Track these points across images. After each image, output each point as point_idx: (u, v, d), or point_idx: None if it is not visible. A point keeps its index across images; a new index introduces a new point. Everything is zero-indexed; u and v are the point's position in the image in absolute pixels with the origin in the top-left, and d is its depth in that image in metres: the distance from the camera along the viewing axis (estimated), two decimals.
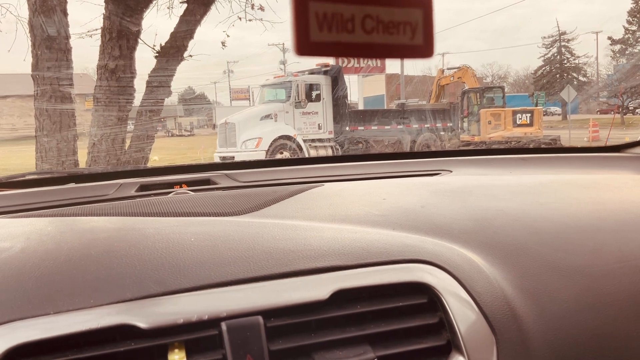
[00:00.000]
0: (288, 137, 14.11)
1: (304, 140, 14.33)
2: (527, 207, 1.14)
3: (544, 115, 18.24)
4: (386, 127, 15.57)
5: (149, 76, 4.90)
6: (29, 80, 4.47)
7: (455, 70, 18.02)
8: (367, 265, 0.84)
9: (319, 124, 14.75)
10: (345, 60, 19.49)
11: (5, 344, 0.66)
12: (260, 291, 0.76)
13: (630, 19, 35.35)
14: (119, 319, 0.69)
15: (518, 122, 15.29)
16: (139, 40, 4.65)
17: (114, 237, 0.93)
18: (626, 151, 1.76)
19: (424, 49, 0.44)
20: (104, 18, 4.53)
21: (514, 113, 15.47)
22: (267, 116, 14.35)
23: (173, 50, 4.85)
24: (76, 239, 0.93)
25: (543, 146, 12.29)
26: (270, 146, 13.72)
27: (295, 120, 14.45)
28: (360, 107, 20.43)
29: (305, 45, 0.41)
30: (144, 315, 0.70)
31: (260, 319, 0.73)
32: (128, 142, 4.84)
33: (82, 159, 4.67)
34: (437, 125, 16.21)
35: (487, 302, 0.84)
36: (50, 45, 4.25)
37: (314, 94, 14.73)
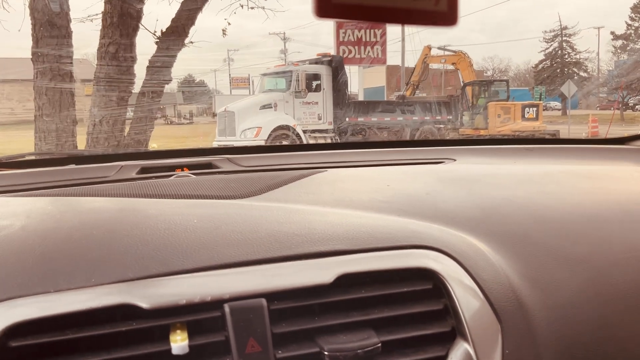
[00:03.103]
0: (288, 127, 14.07)
1: (304, 131, 14.28)
2: (533, 196, 1.14)
3: (544, 110, 18.20)
4: (386, 118, 15.52)
5: (150, 61, 4.88)
6: (28, 64, 4.44)
7: (450, 53, 17.52)
8: (371, 250, 0.83)
9: (318, 115, 14.70)
10: (347, 50, 19.41)
11: (5, 322, 0.65)
12: (263, 274, 0.75)
13: (633, 15, 35.27)
14: (120, 298, 0.68)
15: (526, 116, 15.27)
16: (140, 26, 4.62)
17: (116, 217, 0.92)
18: (631, 144, 1.75)
19: (448, 16, 0.42)
20: (105, 2, 4.50)
21: (523, 107, 15.45)
22: (267, 105, 14.30)
23: (174, 36, 4.82)
24: (77, 218, 0.91)
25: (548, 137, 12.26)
26: (269, 136, 13.68)
27: (295, 110, 14.40)
28: (361, 98, 20.36)
29: (326, 6, 0.38)
30: (146, 295, 0.69)
31: (263, 301, 0.72)
32: (127, 128, 4.82)
33: (81, 144, 4.65)
34: (437, 117, 16.13)
35: (492, 290, 0.83)
36: (51, 27, 4.22)
37: (314, 84, 14.67)
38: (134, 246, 0.78)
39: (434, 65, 18.40)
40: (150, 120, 4.91)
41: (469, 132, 15.55)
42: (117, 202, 1.05)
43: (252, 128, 13.68)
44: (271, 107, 14.28)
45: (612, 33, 35.93)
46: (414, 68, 17.83)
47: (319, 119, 14.71)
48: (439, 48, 17.73)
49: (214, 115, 18.38)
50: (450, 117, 16.40)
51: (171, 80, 5.21)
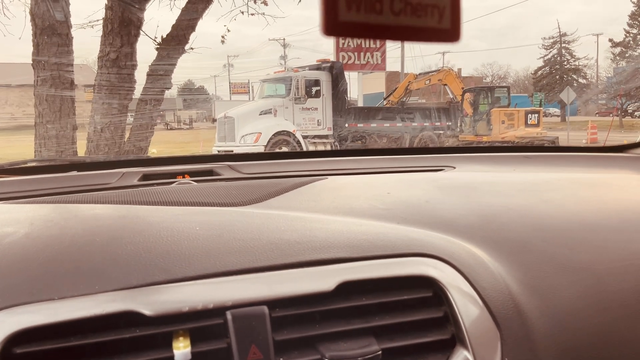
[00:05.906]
0: (287, 133, 14.09)
1: (303, 137, 14.31)
2: (532, 204, 1.14)
3: (543, 116, 18.25)
4: (385, 125, 15.54)
5: (150, 67, 4.89)
6: (28, 69, 4.45)
7: (433, 73, 17.54)
8: (372, 258, 0.83)
9: (318, 120, 14.73)
10: (346, 57, 19.48)
11: (9, 329, 0.65)
12: (265, 281, 0.76)
13: (631, 22, 35.39)
14: (123, 305, 0.69)
15: (529, 122, 15.33)
16: (141, 32, 4.63)
17: (119, 224, 0.92)
18: (630, 152, 1.76)
19: (451, 33, 0.44)
20: (106, 8, 4.51)
21: (526, 113, 15.51)
22: (267, 111, 14.33)
23: (174, 43, 4.83)
24: (80, 225, 0.92)
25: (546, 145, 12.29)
26: (269, 141, 13.70)
27: (295, 115, 14.44)
28: (360, 104, 20.38)
29: (333, 25, 0.40)
30: (149, 302, 0.70)
31: (265, 308, 0.72)
32: (127, 134, 4.82)
33: (81, 151, 4.65)
34: (436, 124, 16.15)
35: (491, 297, 0.84)
36: (52, 33, 4.24)
37: (313, 89, 14.70)
38: (137, 253, 0.78)
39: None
40: (150, 127, 4.92)
41: (469, 139, 15.53)
42: (119, 209, 1.06)
43: (252, 134, 13.70)
44: (271, 113, 14.31)
45: (610, 40, 36.10)
46: (395, 89, 17.88)
47: (319, 124, 14.74)
48: (420, 74, 17.80)
49: (214, 120, 18.41)
50: (450, 124, 16.40)
51: (171, 86, 5.23)
